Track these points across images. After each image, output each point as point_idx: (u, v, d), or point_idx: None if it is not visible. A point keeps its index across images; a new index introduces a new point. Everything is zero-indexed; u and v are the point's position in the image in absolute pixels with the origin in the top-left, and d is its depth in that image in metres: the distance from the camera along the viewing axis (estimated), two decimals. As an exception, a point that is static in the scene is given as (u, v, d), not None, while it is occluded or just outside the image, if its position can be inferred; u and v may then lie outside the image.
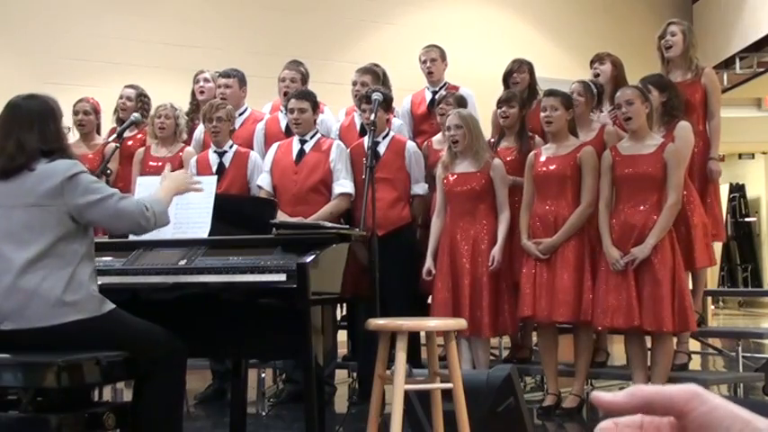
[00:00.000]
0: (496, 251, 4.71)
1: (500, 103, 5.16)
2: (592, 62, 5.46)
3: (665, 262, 4.38)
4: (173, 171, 3.31)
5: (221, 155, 5.24)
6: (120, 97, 6.00)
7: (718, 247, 11.62)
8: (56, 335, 2.74)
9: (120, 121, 5.85)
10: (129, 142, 5.77)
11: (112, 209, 2.84)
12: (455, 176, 4.84)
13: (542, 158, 4.76)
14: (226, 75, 5.74)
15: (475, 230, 4.78)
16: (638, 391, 0.63)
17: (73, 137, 5.63)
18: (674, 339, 4.78)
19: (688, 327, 4.46)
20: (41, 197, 2.78)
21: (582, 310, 4.56)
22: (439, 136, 5.35)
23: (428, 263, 4.86)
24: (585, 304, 4.55)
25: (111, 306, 2.86)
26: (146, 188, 3.38)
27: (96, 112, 5.80)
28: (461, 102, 5.26)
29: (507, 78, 5.52)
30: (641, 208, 4.47)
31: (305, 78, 5.64)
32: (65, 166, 2.83)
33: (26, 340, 2.75)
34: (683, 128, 4.68)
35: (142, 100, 5.98)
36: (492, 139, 5.31)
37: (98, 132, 5.88)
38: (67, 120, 4.14)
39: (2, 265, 2.78)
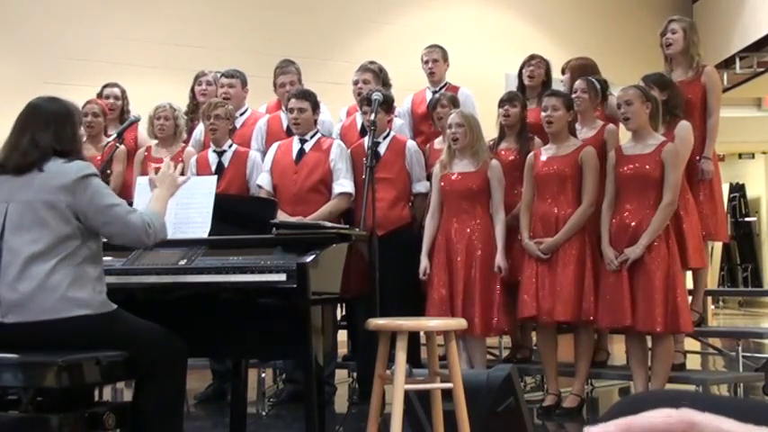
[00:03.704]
0: (500, 259, 4.72)
1: (502, 102, 5.16)
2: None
3: (659, 262, 4.38)
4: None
5: (220, 154, 5.24)
6: (107, 97, 5.99)
7: (718, 246, 11.66)
8: (58, 329, 2.75)
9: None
10: (132, 140, 5.79)
11: (121, 217, 2.85)
12: (453, 175, 4.85)
13: (543, 159, 4.77)
14: (229, 75, 5.75)
15: (470, 229, 4.79)
16: (632, 427, 0.63)
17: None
18: (672, 339, 4.77)
19: (679, 327, 4.41)
20: (53, 193, 2.80)
21: (583, 310, 4.56)
22: (440, 138, 5.35)
23: (423, 262, 4.87)
24: (587, 303, 4.55)
25: (113, 306, 2.87)
26: (145, 188, 3.38)
27: (104, 113, 5.81)
28: (455, 102, 5.27)
29: (522, 70, 5.53)
30: (638, 208, 4.47)
31: (300, 76, 5.66)
32: (78, 167, 2.85)
33: (28, 334, 2.75)
34: (683, 128, 4.67)
35: (125, 96, 6.03)
36: (491, 142, 5.31)
37: (105, 134, 5.89)
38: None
39: (9, 257, 2.80)
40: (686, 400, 0.69)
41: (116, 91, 6.01)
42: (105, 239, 2.94)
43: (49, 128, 2.89)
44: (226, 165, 5.21)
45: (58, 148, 2.88)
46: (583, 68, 5.27)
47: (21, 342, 2.75)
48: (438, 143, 5.34)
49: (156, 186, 3.18)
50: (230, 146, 5.27)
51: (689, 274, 5.17)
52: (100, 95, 5.99)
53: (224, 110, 5.22)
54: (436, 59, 5.75)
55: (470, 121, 4.84)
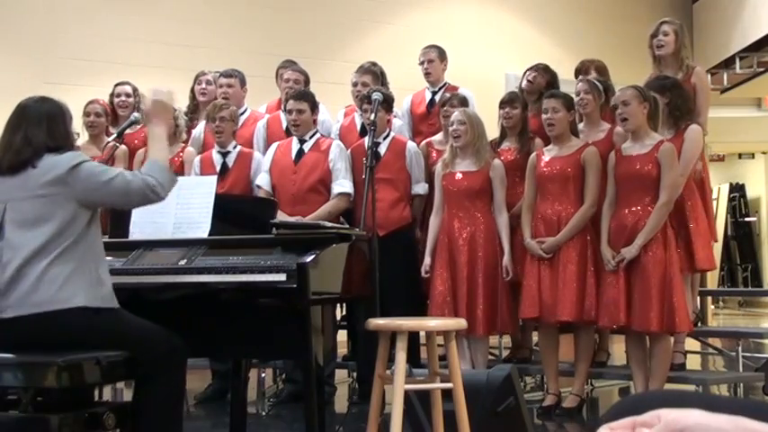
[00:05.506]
0: (507, 261, 4.73)
1: (503, 103, 5.15)
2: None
3: (655, 262, 4.37)
4: (175, 173, 3.29)
5: (225, 155, 5.26)
6: (118, 95, 5.98)
7: (718, 246, 11.64)
8: (55, 322, 2.76)
9: (115, 119, 5.86)
10: (136, 141, 5.78)
11: (121, 187, 2.89)
12: (455, 174, 4.85)
13: (545, 159, 4.76)
14: (227, 75, 5.75)
15: (473, 228, 4.79)
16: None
17: (83, 138, 5.65)
18: (672, 339, 4.77)
19: (675, 327, 4.40)
20: (47, 186, 2.83)
21: (584, 310, 4.56)
22: (439, 136, 5.36)
23: (426, 260, 4.87)
24: (588, 303, 4.55)
25: (115, 304, 2.88)
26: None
27: (107, 114, 5.81)
28: (465, 103, 5.26)
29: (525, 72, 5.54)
30: (634, 208, 4.47)
31: (307, 80, 5.65)
32: (69, 157, 2.89)
33: (26, 328, 2.76)
34: (693, 131, 4.69)
35: (137, 93, 6.01)
36: (493, 142, 5.31)
37: (107, 134, 5.89)
38: (77, 120, 4.13)
39: (9, 254, 2.82)
40: (687, 401, 0.69)
41: (127, 88, 6.01)
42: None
43: (41, 125, 2.91)
44: (230, 166, 5.23)
45: (52, 144, 2.90)
46: (601, 69, 5.32)
47: (19, 337, 2.76)
48: (437, 142, 5.34)
49: (150, 120, 3.16)
50: (234, 147, 5.29)
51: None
52: (112, 94, 5.99)
53: (229, 111, 5.26)
54: (431, 60, 5.74)
55: (473, 119, 4.85)
